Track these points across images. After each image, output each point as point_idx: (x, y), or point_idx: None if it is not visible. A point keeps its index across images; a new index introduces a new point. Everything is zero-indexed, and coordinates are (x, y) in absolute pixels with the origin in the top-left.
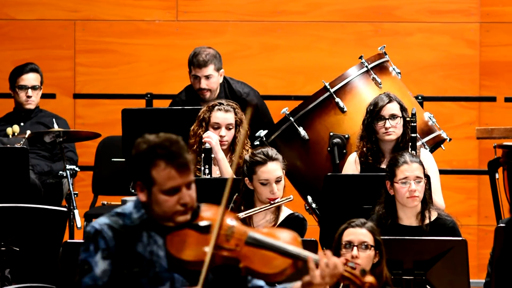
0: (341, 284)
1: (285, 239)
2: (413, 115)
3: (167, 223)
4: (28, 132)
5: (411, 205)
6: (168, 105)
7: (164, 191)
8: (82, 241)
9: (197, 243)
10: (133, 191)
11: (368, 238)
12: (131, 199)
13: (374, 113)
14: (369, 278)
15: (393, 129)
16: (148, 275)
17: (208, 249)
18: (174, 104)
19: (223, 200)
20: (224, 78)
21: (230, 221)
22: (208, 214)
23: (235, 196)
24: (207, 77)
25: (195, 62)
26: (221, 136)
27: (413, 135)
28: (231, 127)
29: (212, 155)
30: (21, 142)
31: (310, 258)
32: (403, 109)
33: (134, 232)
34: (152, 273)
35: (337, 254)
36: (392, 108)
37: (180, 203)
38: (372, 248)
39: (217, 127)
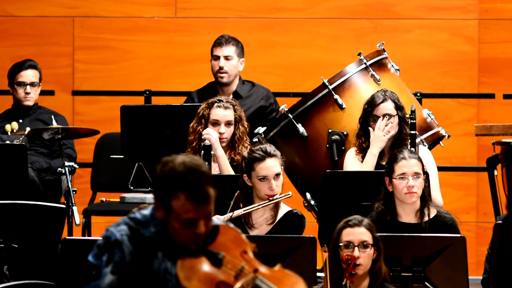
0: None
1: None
2: (413, 112)
3: (180, 244)
4: (28, 129)
5: (409, 201)
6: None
7: (180, 220)
8: (98, 240)
9: (205, 275)
10: (132, 187)
11: (368, 237)
12: (130, 196)
13: (368, 112)
14: None
15: (387, 129)
16: None
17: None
18: (186, 101)
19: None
20: (252, 82)
21: (243, 258)
22: (225, 239)
23: (236, 194)
24: (227, 58)
25: (216, 42)
26: (220, 133)
27: (412, 132)
28: (230, 124)
29: (212, 152)
30: (20, 139)
31: None
32: (398, 107)
33: (151, 247)
34: None
35: (336, 253)
36: (386, 107)
37: (194, 233)
38: (371, 246)
39: (216, 124)
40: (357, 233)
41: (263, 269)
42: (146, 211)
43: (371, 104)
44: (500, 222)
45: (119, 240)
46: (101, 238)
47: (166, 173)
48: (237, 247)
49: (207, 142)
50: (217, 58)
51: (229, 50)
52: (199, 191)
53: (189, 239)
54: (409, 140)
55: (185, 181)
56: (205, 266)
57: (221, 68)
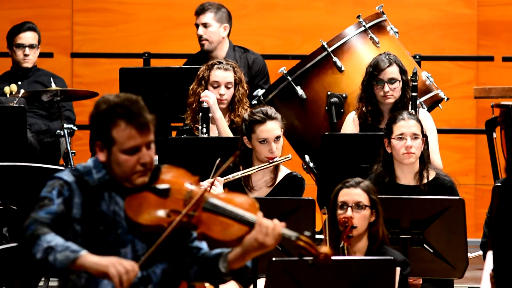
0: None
1: (243, 205)
2: (414, 74)
3: (126, 184)
4: (22, 91)
5: (407, 161)
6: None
7: (124, 150)
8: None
9: (155, 207)
10: None
11: (363, 198)
12: None
13: (373, 75)
14: (325, 249)
15: (391, 93)
16: (112, 235)
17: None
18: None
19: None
20: (244, 48)
21: (189, 185)
22: (168, 176)
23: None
24: (205, 25)
25: (195, 10)
26: (220, 95)
27: (414, 94)
28: (230, 85)
29: (210, 114)
30: (14, 101)
31: (257, 222)
32: (402, 72)
33: (96, 191)
34: (115, 233)
35: (333, 214)
36: (392, 72)
37: (139, 163)
38: (367, 207)
39: (216, 85)
40: (352, 193)
41: (210, 195)
42: (86, 163)
43: (376, 68)
44: (499, 184)
45: (68, 180)
46: (49, 180)
47: (103, 108)
48: (182, 181)
49: (205, 104)
50: (197, 26)
51: (206, 17)
52: (138, 115)
53: (136, 172)
54: (410, 103)
55: (124, 108)
56: (153, 199)
57: (200, 36)
